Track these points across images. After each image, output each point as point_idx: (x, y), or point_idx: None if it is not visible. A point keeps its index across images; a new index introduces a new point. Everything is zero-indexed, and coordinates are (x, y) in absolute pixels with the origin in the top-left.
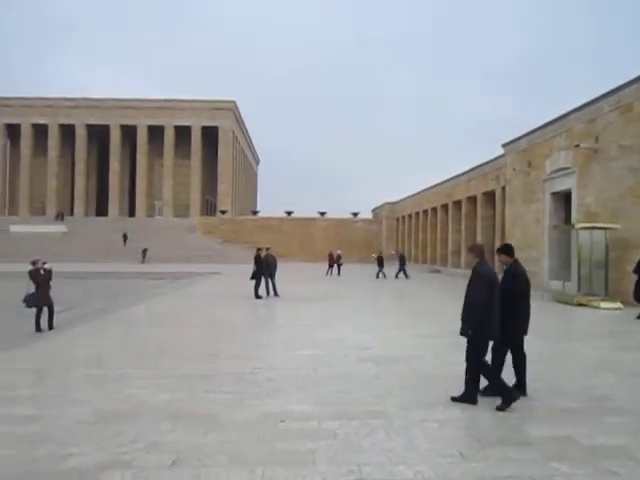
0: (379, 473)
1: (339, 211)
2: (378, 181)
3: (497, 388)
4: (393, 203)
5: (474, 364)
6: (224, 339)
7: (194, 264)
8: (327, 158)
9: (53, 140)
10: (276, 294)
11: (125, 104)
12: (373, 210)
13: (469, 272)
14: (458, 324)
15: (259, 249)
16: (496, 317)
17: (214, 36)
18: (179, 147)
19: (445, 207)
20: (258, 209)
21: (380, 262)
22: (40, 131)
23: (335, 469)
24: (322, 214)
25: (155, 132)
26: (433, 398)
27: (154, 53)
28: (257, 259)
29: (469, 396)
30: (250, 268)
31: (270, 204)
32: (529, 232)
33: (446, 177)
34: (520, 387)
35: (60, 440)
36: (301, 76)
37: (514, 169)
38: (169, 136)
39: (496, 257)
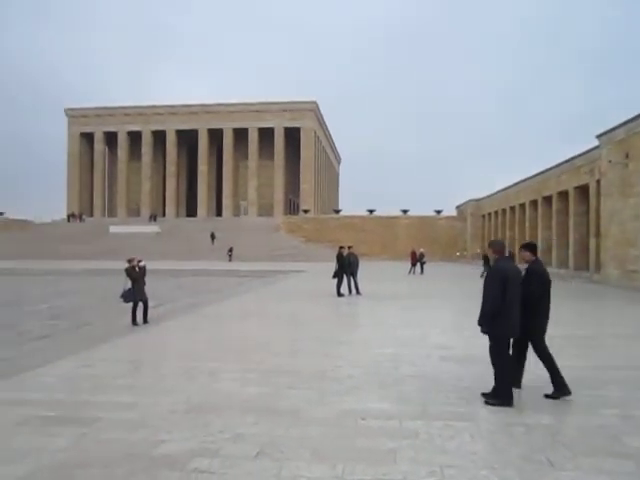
0: (462, 476)
1: (422, 209)
2: (462, 178)
3: (497, 384)
4: (478, 200)
5: (496, 361)
6: (307, 336)
7: (278, 262)
8: (409, 156)
9: (146, 146)
10: (358, 292)
11: (212, 109)
12: (457, 207)
13: (559, 271)
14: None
15: (341, 247)
16: (513, 314)
17: (291, 37)
18: (263, 148)
19: (534, 203)
20: (340, 208)
21: (486, 260)
22: (135, 138)
23: (416, 469)
24: (404, 212)
25: (240, 135)
26: (519, 401)
27: (233, 56)
28: (339, 257)
29: (501, 396)
30: (332, 267)
31: (352, 203)
32: (627, 229)
33: (534, 172)
34: (557, 387)
35: (154, 427)
36: (380, 75)
37: (610, 161)
38: (253, 138)
39: (518, 253)
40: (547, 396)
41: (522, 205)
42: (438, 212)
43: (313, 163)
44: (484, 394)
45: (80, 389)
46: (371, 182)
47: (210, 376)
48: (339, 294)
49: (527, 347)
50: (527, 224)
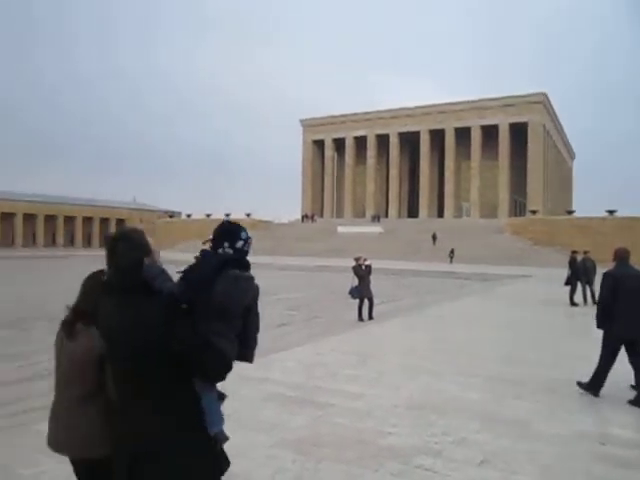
0: None
1: None
2: None
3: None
4: None
5: (601, 357)
6: (533, 345)
7: (502, 266)
8: None
9: (371, 150)
10: (595, 302)
11: (433, 109)
12: None
13: None
14: None
15: (575, 252)
16: (622, 315)
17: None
18: (486, 147)
19: None
20: (573, 208)
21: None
22: (360, 143)
23: None
24: None
25: (462, 134)
26: None
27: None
28: (572, 263)
29: (592, 385)
30: (564, 273)
31: (589, 203)
32: None
33: None
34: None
35: (380, 418)
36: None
37: None
38: (476, 137)
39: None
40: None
41: None
42: None
43: (541, 160)
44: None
45: (314, 375)
46: (613, 180)
47: (431, 376)
48: (572, 303)
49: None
50: None
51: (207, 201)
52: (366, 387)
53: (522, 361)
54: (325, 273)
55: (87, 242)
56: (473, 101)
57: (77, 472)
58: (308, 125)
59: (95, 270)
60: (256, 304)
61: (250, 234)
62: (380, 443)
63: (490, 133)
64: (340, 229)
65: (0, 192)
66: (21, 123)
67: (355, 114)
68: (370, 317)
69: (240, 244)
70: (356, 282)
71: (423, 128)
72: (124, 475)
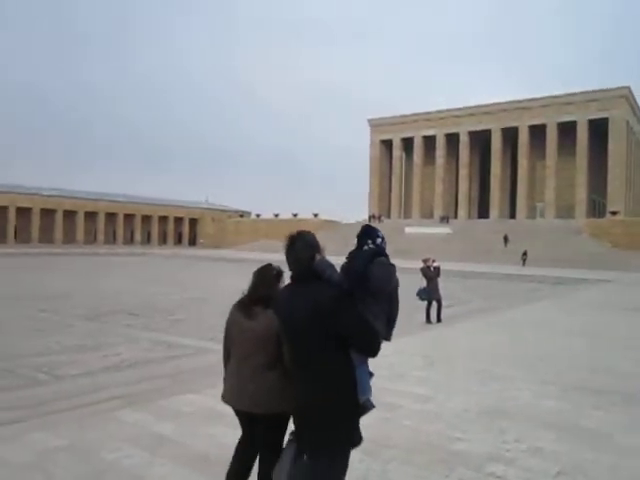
0: None
1: None
2: None
3: None
4: None
5: None
6: (613, 353)
7: (578, 269)
8: None
9: (440, 149)
10: None
11: (505, 107)
12: None
13: None
14: None
15: None
16: None
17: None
18: (562, 145)
19: None
20: None
21: None
22: (429, 142)
23: None
24: None
25: (536, 132)
26: None
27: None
28: None
29: None
30: None
31: None
32: None
33: None
34: None
35: (449, 422)
36: None
37: None
38: (551, 134)
39: None
40: None
41: None
42: None
43: (624, 158)
44: None
45: (381, 376)
46: None
47: (503, 382)
48: None
49: None
50: None
51: (275, 201)
52: (435, 390)
53: (600, 369)
54: None
55: (162, 240)
56: (549, 97)
57: (244, 423)
58: (376, 125)
59: (265, 264)
60: (397, 290)
61: (317, 234)
62: (450, 448)
63: (566, 130)
64: (408, 230)
65: (84, 193)
66: (91, 130)
67: (424, 113)
68: (438, 319)
69: (379, 241)
70: (424, 284)
71: (495, 126)
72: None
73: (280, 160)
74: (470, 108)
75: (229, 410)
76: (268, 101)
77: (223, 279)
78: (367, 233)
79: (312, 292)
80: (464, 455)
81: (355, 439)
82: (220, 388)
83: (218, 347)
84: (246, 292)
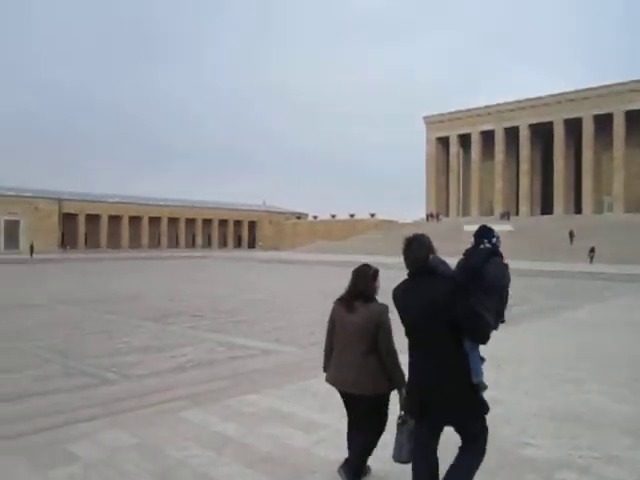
0: None
1: None
2: None
3: None
4: None
5: None
6: None
7: None
8: None
9: (499, 144)
10: None
11: (566, 97)
12: None
13: None
14: None
15: None
16: None
17: None
18: (630, 135)
19: None
20: None
21: None
22: (487, 137)
23: None
24: None
25: (601, 122)
26: None
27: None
28: None
29: None
30: None
31: None
32: None
33: None
34: None
35: (519, 427)
36: None
37: None
38: (618, 124)
39: None
40: None
41: None
42: None
43: None
44: None
45: None
46: None
47: (574, 385)
48: None
49: None
50: None
51: (332, 202)
52: (503, 393)
53: None
54: None
55: (223, 243)
56: (615, 84)
57: (348, 405)
58: (431, 122)
59: (362, 263)
60: (508, 287)
61: (374, 235)
62: (520, 453)
63: (635, 119)
64: (467, 228)
65: (148, 199)
66: (150, 135)
67: (481, 107)
68: (503, 320)
69: (494, 240)
70: None
71: (556, 118)
72: (417, 405)
73: (335, 162)
74: (530, 100)
75: (292, 411)
76: (321, 105)
77: (283, 281)
78: (483, 233)
79: (429, 286)
80: (534, 461)
81: (486, 408)
82: (284, 389)
83: (281, 348)
84: (346, 289)
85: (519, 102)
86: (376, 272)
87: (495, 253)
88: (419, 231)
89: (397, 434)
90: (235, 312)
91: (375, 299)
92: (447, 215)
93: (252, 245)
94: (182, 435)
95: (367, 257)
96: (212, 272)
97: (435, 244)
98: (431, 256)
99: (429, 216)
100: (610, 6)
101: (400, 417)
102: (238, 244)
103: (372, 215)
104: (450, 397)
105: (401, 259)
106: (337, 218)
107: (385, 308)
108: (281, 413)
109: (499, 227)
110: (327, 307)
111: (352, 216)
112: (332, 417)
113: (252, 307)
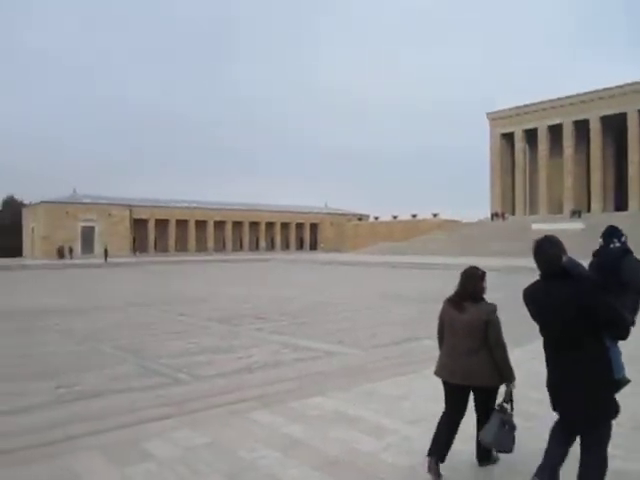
0: None
1: None
2: None
3: None
4: None
5: None
6: None
7: None
8: None
9: (567, 139)
10: None
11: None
12: None
13: None
14: None
15: None
16: None
17: None
18: None
19: None
20: None
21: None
22: (554, 131)
23: None
24: None
25: None
26: None
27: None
28: None
29: None
30: None
31: None
32: None
33: None
34: None
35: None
36: None
37: None
38: None
39: None
40: None
41: None
42: None
43: None
44: None
45: (523, 383)
46: None
47: None
48: None
49: None
50: None
51: (393, 203)
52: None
53: None
54: (520, 275)
55: (285, 245)
56: None
57: (451, 396)
58: (495, 118)
59: (470, 266)
60: None
61: (438, 235)
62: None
63: None
64: (535, 226)
65: (213, 203)
66: (217, 138)
67: (548, 101)
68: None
69: (623, 239)
70: None
71: (631, 109)
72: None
73: (394, 161)
74: (600, 91)
75: (359, 414)
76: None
77: (344, 283)
78: (612, 233)
79: (568, 287)
80: (619, 473)
81: (615, 411)
82: (349, 392)
83: (345, 350)
84: (455, 290)
85: (589, 93)
86: (484, 273)
87: (628, 251)
88: (483, 231)
89: (491, 417)
90: (298, 314)
91: (484, 299)
92: (513, 213)
93: (314, 247)
94: (252, 436)
95: (430, 258)
96: (275, 275)
97: (502, 244)
98: (564, 257)
99: (494, 215)
100: None
101: (499, 405)
102: (300, 246)
103: (435, 215)
104: (586, 396)
105: (467, 259)
106: (399, 219)
107: (494, 307)
108: (347, 416)
109: (570, 226)
110: (388, 309)
111: (414, 216)
112: (400, 423)
113: (314, 309)
